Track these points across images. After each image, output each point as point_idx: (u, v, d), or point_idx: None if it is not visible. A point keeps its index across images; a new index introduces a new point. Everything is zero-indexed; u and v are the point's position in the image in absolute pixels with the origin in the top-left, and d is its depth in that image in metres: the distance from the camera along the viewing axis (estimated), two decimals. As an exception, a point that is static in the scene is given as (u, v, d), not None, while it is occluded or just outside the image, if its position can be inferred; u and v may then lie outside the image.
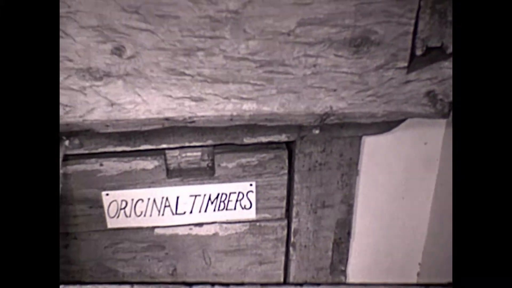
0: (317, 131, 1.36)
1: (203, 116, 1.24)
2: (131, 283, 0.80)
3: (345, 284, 1.05)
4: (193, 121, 1.25)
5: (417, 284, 0.88)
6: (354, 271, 1.61)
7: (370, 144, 1.43)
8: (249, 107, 1.22)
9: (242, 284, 0.79)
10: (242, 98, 1.21)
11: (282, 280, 1.60)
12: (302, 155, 1.40)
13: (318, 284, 0.83)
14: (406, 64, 1.19)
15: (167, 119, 1.24)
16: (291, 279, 1.57)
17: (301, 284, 0.84)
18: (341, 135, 1.38)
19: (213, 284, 0.79)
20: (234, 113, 1.23)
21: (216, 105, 1.22)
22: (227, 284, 0.81)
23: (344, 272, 1.59)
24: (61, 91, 1.18)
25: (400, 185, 1.51)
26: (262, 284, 0.81)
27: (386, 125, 1.35)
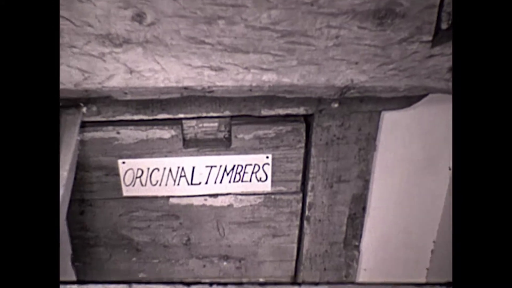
0: (336, 105, 1.34)
1: (222, 86, 1.23)
2: (129, 282, 0.80)
3: (345, 283, 1.05)
4: (212, 91, 1.24)
5: (417, 284, 0.87)
6: (368, 247, 1.61)
7: (390, 119, 1.41)
8: (268, 78, 1.21)
9: (241, 283, 0.79)
10: (262, 69, 1.20)
11: (295, 253, 1.60)
12: (320, 129, 1.39)
13: (317, 284, 0.83)
14: (430, 38, 1.16)
15: (186, 88, 1.23)
16: (304, 252, 1.58)
17: (299, 284, 0.83)
18: (360, 110, 1.36)
19: (211, 284, 0.79)
20: (254, 84, 1.22)
21: (236, 75, 1.20)
22: (225, 284, 0.81)
23: (357, 247, 1.59)
24: (80, 57, 1.17)
25: (418, 162, 1.49)
26: (261, 284, 0.81)
27: (406, 100, 1.33)
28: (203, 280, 0.76)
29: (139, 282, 0.80)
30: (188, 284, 0.79)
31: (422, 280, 1.71)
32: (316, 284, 0.83)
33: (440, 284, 0.89)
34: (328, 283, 0.85)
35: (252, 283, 0.80)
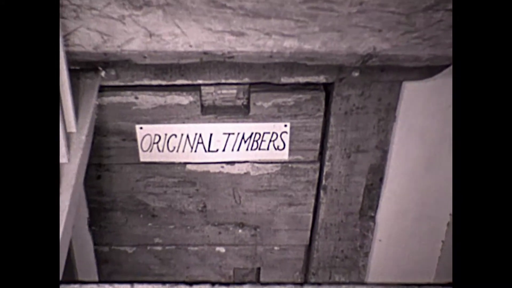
0: (356, 74, 1.32)
1: (242, 52, 1.21)
2: (131, 282, 0.79)
3: (345, 283, 1.04)
4: (232, 57, 1.22)
5: (416, 284, 0.87)
6: (384, 218, 1.60)
7: (410, 90, 1.39)
8: (290, 44, 1.19)
9: (242, 283, 0.79)
10: (283, 35, 1.18)
11: (310, 222, 1.60)
12: (340, 98, 1.38)
13: (318, 284, 0.83)
14: (456, 6, 1.14)
15: (205, 53, 1.21)
16: (319, 221, 1.58)
17: (301, 284, 0.83)
18: (381, 79, 1.34)
19: (213, 283, 0.78)
20: (274, 50, 1.20)
21: (257, 41, 1.19)
22: (228, 284, 0.80)
23: (373, 218, 1.59)
24: (100, 19, 1.16)
25: (438, 134, 1.47)
26: (262, 284, 0.81)
27: (428, 71, 1.31)
28: (204, 280, 0.77)
29: (141, 282, 0.80)
30: (191, 283, 0.78)
31: (437, 253, 1.70)
32: (319, 284, 0.83)
33: (440, 285, 0.89)
34: (330, 283, 0.85)
35: (254, 283, 0.80)
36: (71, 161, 1.11)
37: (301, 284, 0.82)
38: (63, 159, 1.10)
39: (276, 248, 1.66)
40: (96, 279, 1.71)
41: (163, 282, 0.79)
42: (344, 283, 0.87)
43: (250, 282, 0.80)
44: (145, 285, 0.79)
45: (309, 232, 1.63)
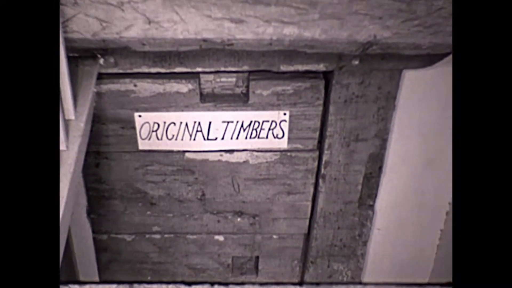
0: (356, 62, 1.32)
1: (241, 39, 1.21)
2: (131, 283, 0.79)
3: (345, 283, 1.04)
4: (231, 44, 1.22)
5: (416, 284, 0.87)
6: (383, 207, 1.60)
7: (410, 78, 1.39)
8: (289, 31, 1.18)
9: (242, 283, 0.79)
10: (283, 22, 1.17)
11: (309, 211, 1.60)
12: (339, 86, 1.37)
13: (317, 284, 0.83)
14: (458, -6, 1.13)
15: (204, 40, 1.21)
16: (318, 210, 1.58)
17: (300, 284, 0.83)
18: (381, 67, 1.34)
19: (212, 283, 0.78)
20: (274, 38, 1.20)
21: (256, 28, 1.18)
22: (227, 284, 0.80)
23: (372, 207, 1.59)
24: (98, 5, 1.15)
25: (437, 123, 1.47)
26: (261, 284, 0.80)
27: (429, 59, 1.30)
28: (203, 280, 0.76)
29: (140, 282, 0.80)
30: (190, 284, 0.78)
31: (435, 242, 1.70)
32: (317, 284, 0.83)
33: (440, 284, 0.89)
34: (329, 283, 0.85)
35: (253, 283, 0.80)
36: (70, 148, 1.11)
37: (301, 284, 0.83)
38: (61, 146, 1.09)
39: (274, 236, 1.66)
40: (95, 267, 1.71)
41: (162, 282, 0.79)
42: (343, 283, 0.87)
43: (250, 283, 0.80)
44: (144, 285, 0.79)
45: (307, 221, 1.63)
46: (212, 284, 0.79)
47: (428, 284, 1.00)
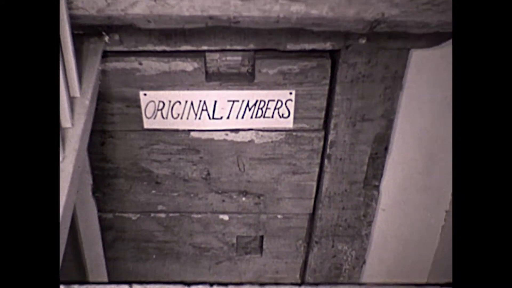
0: (363, 41, 1.30)
1: (248, 17, 1.19)
2: (130, 283, 0.79)
3: (345, 284, 1.04)
4: (238, 21, 1.20)
5: (416, 284, 0.86)
6: (388, 187, 1.60)
7: (418, 58, 1.37)
8: (297, 9, 1.17)
9: (241, 283, 0.78)
10: (290, -1, 1.16)
11: (314, 191, 1.60)
12: (346, 66, 1.36)
13: (317, 284, 0.82)
14: (468, -29, 1.11)
15: (211, 17, 1.19)
16: (323, 190, 1.57)
17: (299, 284, 0.83)
18: (388, 46, 1.32)
19: (212, 284, 0.78)
20: (281, 15, 1.18)
21: (263, 5, 1.17)
22: (226, 284, 0.80)
23: (377, 188, 1.59)
24: (103, -19, 1.14)
25: (445, 103, 1.46)
26: (261, 284, 0.80)
27: (437, 38, 1.29)
28: (202, 281, 0.76)
29: (140, 282, 0.79)
30: (189, 284, 0.78)
31: (440, 223, 1.70)
32: (317, 284, 0.83)
33: (440, 285, 0.88)
34: (329, 283, 0.85)
35: (252, 283, 0.80)
36: (75, 126, 1.11)
37: (300, 284, 0.83)
38: (66, 123, 1.09)
39: (279, 216, 1.66)
40: (100, 245, 1.72)
41: (162, 282, 0.79)
42: (343, 284, 0.88)
43: (250, 283, 0.80)
44: (144, 285, 0.79)
45: (312, 201, 1.63)
46: (212, 284, 0.79)
47: (428, 284, 1.01)
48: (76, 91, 1.16)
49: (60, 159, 1.03)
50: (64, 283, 0.80)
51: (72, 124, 1.10)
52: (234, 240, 1.72)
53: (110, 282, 0.81)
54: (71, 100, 1.13)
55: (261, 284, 0.80)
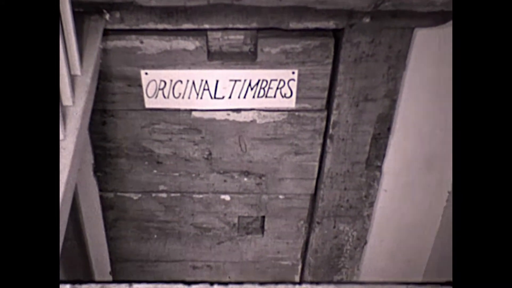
0: (367, 20, 1.29)
1: (251, -6, 1.18)
2: (130, 282, 0.78)
3: (345, 283, 1.03)
4: (240, -1, 1.19)
5: (417, 283, 0.86)
6: (390, 168, 1.59)
7: (422, 37, 1.36)
8: (300, -14, 1.15)
9: (241, 283, 0.78)
10: (293, -23, 1.14)
11: (316, 171, 1.60)
12: (349, 45, 1.34)
13: (317, 283, 0.82)
14: None
15: (213, -5, 1.18)
16: (325, 171, 1.57)
17: (299, 283, 0.83)
18: (392, 25, 1.31)
19: (212, 283, 0.77)
20: (284, -7, 1.17)
21: (266, -17, 1.15)
22: (226, 283, 0.79)
23: (379, 168, 1.58)
24: (104, -42, 1.12)
25: (449, 83, 1.44)
26: (261, 283, 0.80)
27: (442, 17, 1.27)
28: (203, 280, 0.75)
29: (139, 281, 0.79)
30: (189, 283, 0.78)
31: (442, 204, 1.70)
32: (317, 283, 0.82)
33: (440, 284, 0.88)
34: (329, 282, 0.85)
35: (253, 282, 0.79)
36: (76, 104, 1.10)
37: (300, 283, 0.83)
38: (67, 101, 1.08)
39: (281, 196, 1.65)
40: (102, 225, 1.72)
41: (162, 282, 0.79)
42: (343, 282, 0.87)
43: (250, 282, 0.80)
44: (144, 284, 0.78)
45: (314, 181, 1.62)
46: (212, 283, 0.79)
47: (428, 283, 1.00)
48: (77, 69, 1.15)
49: (61, 137, 1.02)
50: (64, 282, 0.79)
51: (73, 102, 1.09)
52: (236, 220, 1.71)
53: (111, 282, 0.80)
54: (72, 78, 1.12)
55: (261, 283, 0.80)
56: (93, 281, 0.83)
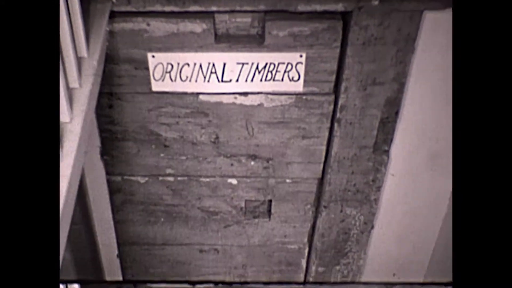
0: (376, 2, 1.28)
1: (258, -24, 1.16)
2: (134, 282, 0.78)
3: (347, 283, 1.03)
4: (248, -19, 1.18)
5: (417, 283, 0.86)
6: (397, 152, 1.58)
7: (431, 20, 1.34)
8: (308, -32, 1.14)
9: (245, 283, 0.78)
10: (302, -42, 1.13)
11: (324, 155, 1.59)
12: (358, 28, 1.33)
13: (321, 283, 0.82)
14: None
15: (220, -24, 1.17)
16: (332, 155, 1.56)
17: (303, 283, 0.83)
18: (401, 8, 1.30)
19: (216, 283, 0.77)
20: (292, -26, 1.15)
21: (274, -36, 1.14)
22: (231, 283, 0.79)
23: (387, 152, 1.57)
24: None
25: (457, 66, 1.43)
26: (265, 283, 0.80)
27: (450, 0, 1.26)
28: (208, 279, 0.75)
29: (143, 281, 0.79)
30: (193, 283, 0.78)
31: (449, 189, 1.69)
32: (321, 283, 0.82)
33: (440, 284, 0.88)
34: (332, 283, 0.85)
35: (257, 282, 0.79)
36: (83, 86, 1.09)
37: (304, 283, 0.82)
38: (74, 83, 1.08)
39: (288, 180, 1.65)
40: (109, 208, 1.72)
41: (166, 281, 0.79)
42: (343, 283, 0.87)
43: (254, 282, 0.80)
44: (148, 284, 0.79)
45: (321, 165, 1.62)
46: (216, 283, 0.79)
47: (429, 283, 1.00)
48: (83, 51, 1.15)
49: (68, 119, 1.02)
50: (64, 282, 0.80)
51: (80, 85, 1.09)
52: (243, 204, 1.71)
53: (114, 282, 0.81)
54: (79, 60, 1.12)
55: (265, 283, 0.80)
56: (95, 281, 0.84)
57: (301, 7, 1.30)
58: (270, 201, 1.71)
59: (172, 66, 1.41)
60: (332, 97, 1.47)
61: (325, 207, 1.68)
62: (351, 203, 1.67)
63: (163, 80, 1.43)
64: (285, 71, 1.42)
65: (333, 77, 1.43)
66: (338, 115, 1.48)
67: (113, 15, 1.32)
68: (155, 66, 1.41)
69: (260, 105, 1.48)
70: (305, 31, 1.35)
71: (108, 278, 1.88)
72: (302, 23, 1.34)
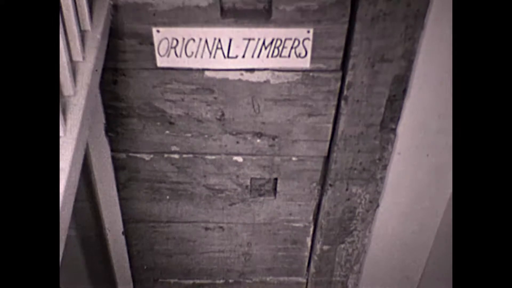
0: (386, -24, 1.25)
1: (265, -52, 1.14)
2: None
3: None
4: (255, -47, 1.15)
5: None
6: (405, 130, 1.57)
7: (442, -5, 1.32)
8: None
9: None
10: None
11: (330, 133, 1.58)
12: (367, 3, 1.31)
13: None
14: None
15: (226, -52, 1.14)
16: (339, 133, 1.55)
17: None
18: (411, -17, 1.27)
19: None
20: None
21: None
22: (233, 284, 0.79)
23: (394, 131, 1.56)
24: None
25: (467, 43, 1.41)
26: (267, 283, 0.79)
27: (463, -26, 1.23)
28: (209, 282, 0.73)
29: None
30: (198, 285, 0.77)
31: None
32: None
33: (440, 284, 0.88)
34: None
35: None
36: (86, 60, 1.08)
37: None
38: (78, 56, 1.06)
39: (294, 158, 1.64)
40: (114, 185, 1.72)
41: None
42: None
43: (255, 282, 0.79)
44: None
45: (328, 143, 1.60)
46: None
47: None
48: (87, 24, 1.13)
49: (71, 93, 1.00)
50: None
51: (83, 58, 1.08)
52: (248, 182, 1.71)
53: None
54: (82, 33, 1.10)
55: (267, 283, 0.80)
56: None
57: (309, -19, 1.27)
58: (276, 179, 1.70)
59: (177, 41, 1.39)
60: (339, 74, 1.45)
61: (330, 185, 1.67)
62: (357, 181, 1.66)
63: (168, 56, 1.42)
64: (292, 47, 1.40)
65: (341, 54, 1.41)
66: (345, 92, 1.47)
67: (117, -11, 1.30)
68: (160, 41, 1.39)
69: (267, 81, 1.47)
70: (313, 6, 1.32)
71: (113, 255, 1.89)
72: (310, -2, 1.32)
